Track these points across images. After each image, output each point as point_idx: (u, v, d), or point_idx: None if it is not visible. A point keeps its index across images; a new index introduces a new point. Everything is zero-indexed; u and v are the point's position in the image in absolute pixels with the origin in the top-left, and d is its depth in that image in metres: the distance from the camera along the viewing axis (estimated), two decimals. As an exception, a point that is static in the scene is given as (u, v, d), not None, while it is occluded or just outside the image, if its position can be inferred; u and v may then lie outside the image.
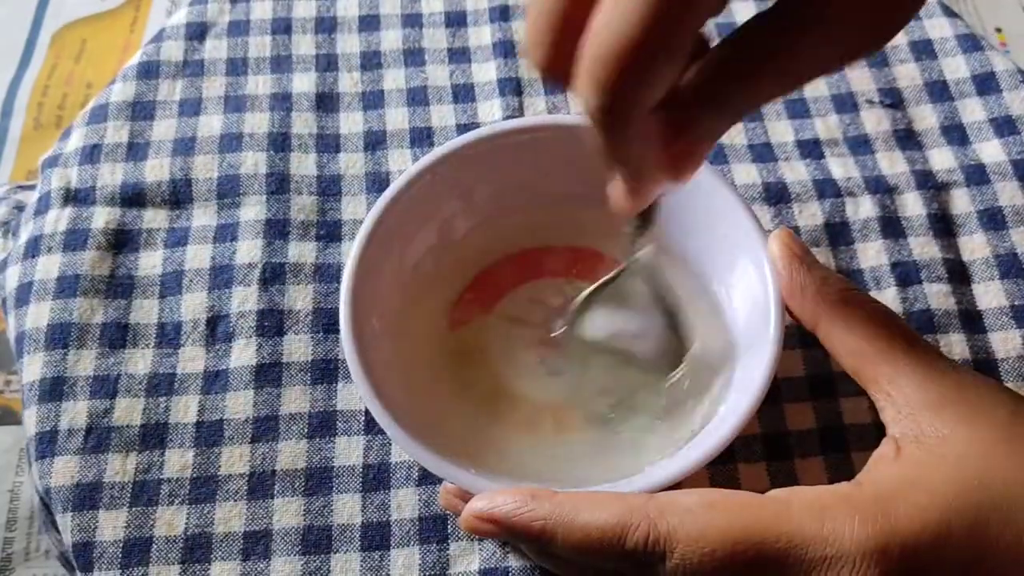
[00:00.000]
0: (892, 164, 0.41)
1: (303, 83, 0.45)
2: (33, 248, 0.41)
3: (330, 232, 0.41)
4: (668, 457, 0.32)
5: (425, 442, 0.30)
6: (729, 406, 0.32)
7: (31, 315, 0.39)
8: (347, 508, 0.35)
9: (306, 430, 0.36)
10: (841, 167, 0.41)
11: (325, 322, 0.38)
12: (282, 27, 0.46)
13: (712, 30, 0.45)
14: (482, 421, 0.34)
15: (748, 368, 0.32)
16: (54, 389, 0.37)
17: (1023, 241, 0.39)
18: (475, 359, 0.36)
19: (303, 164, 0.42)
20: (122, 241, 0.41)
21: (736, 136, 0.42)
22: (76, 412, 0.37)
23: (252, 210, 0.41)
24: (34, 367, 0.38)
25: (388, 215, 0.34)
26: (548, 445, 0.34)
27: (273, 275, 0.39)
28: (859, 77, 0.44)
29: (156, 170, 0.42)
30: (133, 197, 0.42)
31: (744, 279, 0.34)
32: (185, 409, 0.37)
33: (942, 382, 0.27)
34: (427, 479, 0.35)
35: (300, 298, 0.39)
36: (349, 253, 0.33)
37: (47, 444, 0.36)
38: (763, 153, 0.42)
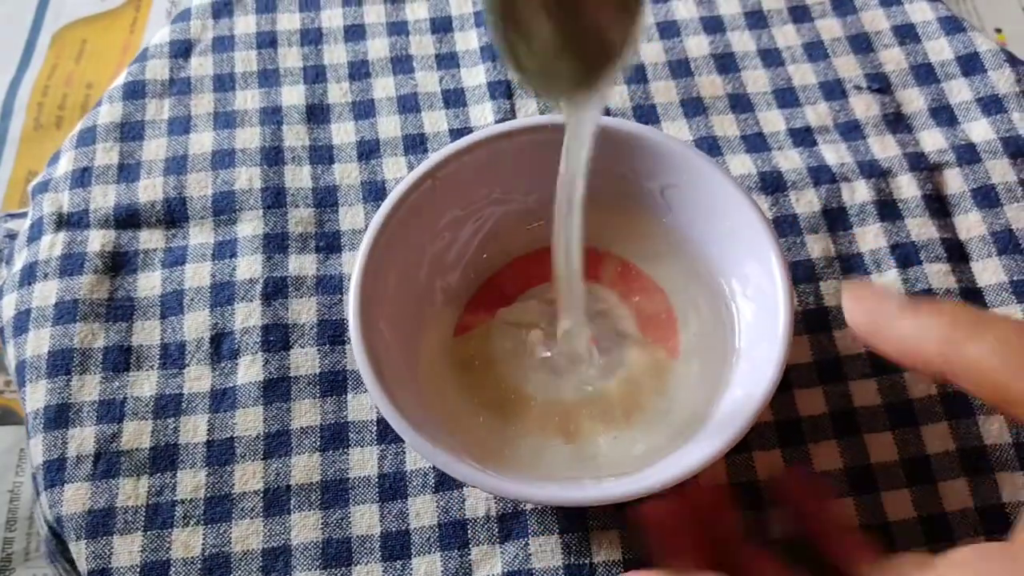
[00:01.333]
0: (884, 148, 0.42)
1: (292, 96, 0.44)
2: (28, 275, 0.40)
3: (329, 243, 0.40)
4: (682, 450, 0.32)
5: (441, 446, 0.30)
6: (742, 397, 0.32)
7: (31, 343, 0.38)
8: (365, 519, 0.35)
9: (319, 443, 0.36)
10: (834, 153, 0.41)
11: (330, 333, 0.38)
12: (267, 41, 0.46)
13: (697, 24, 0.45)
14: (493, 424, 0.34)
15: (759, 360, 0.32)
16: (59, 416, 0.37)
17: (1018, 217, 0.40)
18: (483, 363, 0.35)
19: (298, 176, 0.42)
20: (119, 263, 0.40)
21: (728, 127, 0.43)
22: (84, 438, 0.36)
23: (249, 225, 0.41)
24: (37, 395, 0.37)
25: (390, 222, 0.34)
26: (559, 443, 0.34)
27: (275, 289, 0.39)
28: (845, 63, 0.44)
29: (149, 190, 0.42)
30: (127, 218, 0.41)
31: (751, 273, 0.34)
32: (194, 429, 0.36)
33: None
34: (444, 485, 0.35)
35: (304, 311, 0.39)
36: (351, 263, 0.33)
37: (56, 472, 0.36)
38: (756, 143, 0.42)
